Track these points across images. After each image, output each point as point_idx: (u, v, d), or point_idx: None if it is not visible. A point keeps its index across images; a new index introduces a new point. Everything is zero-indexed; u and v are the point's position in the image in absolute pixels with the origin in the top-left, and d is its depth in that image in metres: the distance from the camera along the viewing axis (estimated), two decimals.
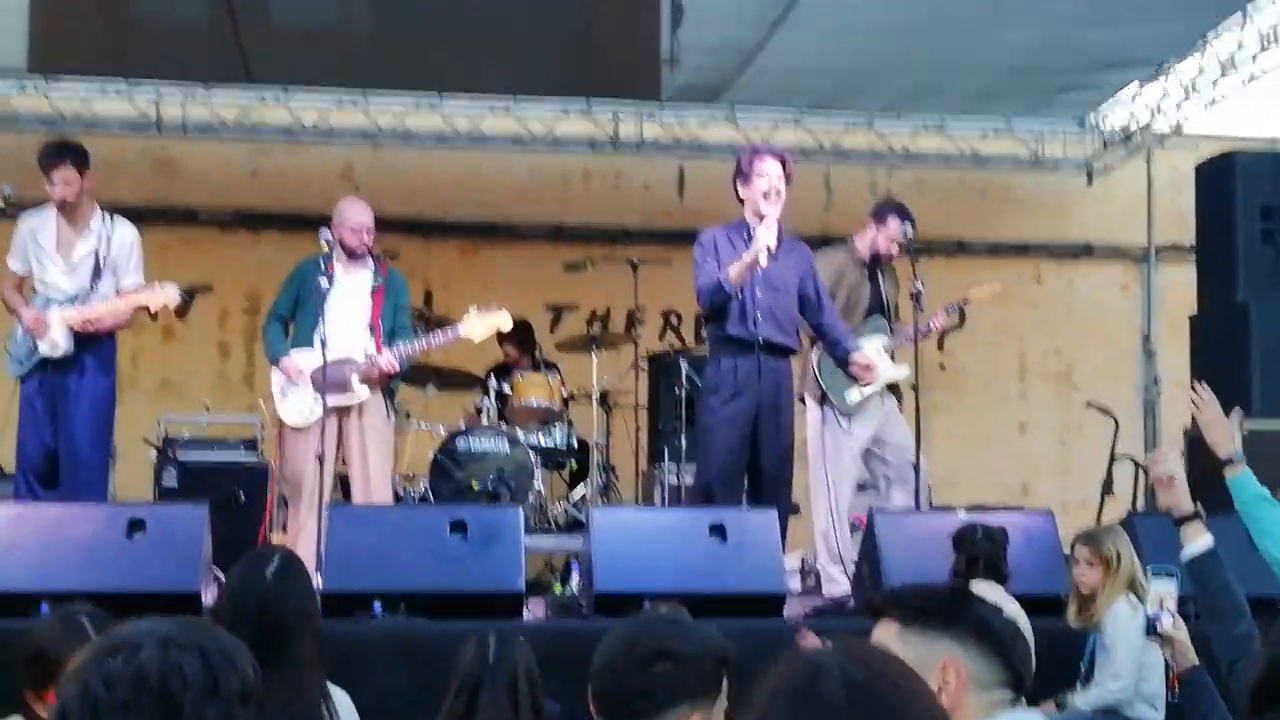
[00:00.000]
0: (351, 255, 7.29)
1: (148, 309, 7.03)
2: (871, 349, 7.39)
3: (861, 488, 7.72)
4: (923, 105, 10.51)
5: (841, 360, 7.06)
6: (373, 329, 7.28)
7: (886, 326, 7.64)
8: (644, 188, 11.16)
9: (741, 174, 6.95)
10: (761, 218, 6.79)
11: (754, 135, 10.65)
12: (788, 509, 7.14)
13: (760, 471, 6.85)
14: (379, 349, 7.20)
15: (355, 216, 7.32)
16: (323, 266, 7.09)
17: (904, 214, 7.67)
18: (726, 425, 6.77)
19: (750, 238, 6.79)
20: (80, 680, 1.63)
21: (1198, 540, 3.67)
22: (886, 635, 2.36)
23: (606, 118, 10.68)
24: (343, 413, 7.17)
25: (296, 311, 7.30)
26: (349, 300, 7.27)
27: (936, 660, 2.29)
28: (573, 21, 9.73)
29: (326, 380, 6.90)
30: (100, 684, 1.61)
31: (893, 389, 7.72)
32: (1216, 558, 3.65)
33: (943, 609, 2.40)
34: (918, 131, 10.86)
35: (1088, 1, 8.41)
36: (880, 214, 7.72)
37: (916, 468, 7.13)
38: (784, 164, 6.90)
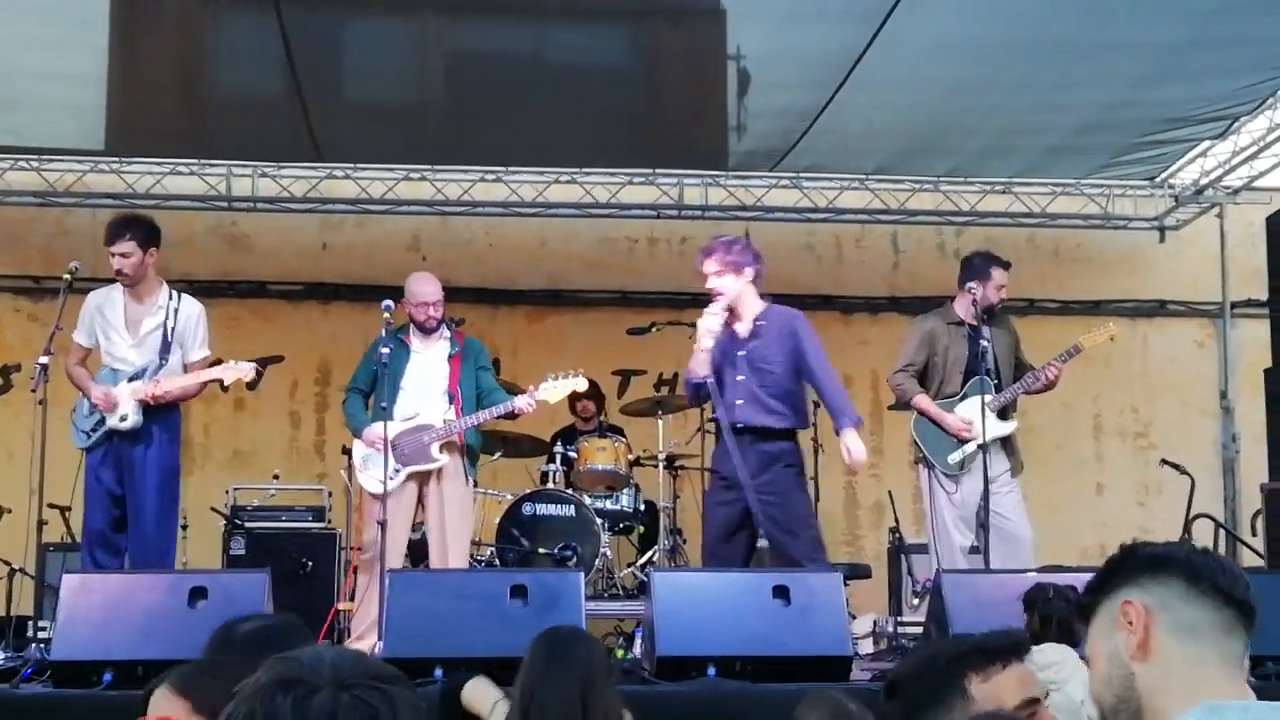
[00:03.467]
0: (423, 330, 7.44)
1: (220, 381, 7.17)
2: (968, 409, 7.32)
3: (975, 550, 7.48)
4: (989, 167, 10.40)
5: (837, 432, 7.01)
6: (451, 396, 7.40)
7: (989, 385, 7.45)
8: None
9: None
10: (729, 310, 6.94)
11: (819, 198, 10.63)
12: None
13: (767, 547, 6.78)
14: (458, 415, 7.32)
15: (422, 292, 7.47)
16: (387, 336, 7.17)
17: (1002, 261, 7.69)
18: (716, 512, 6.94)
19: (730, 325, 6.97)
20: (248, 709, 1.59)
21: None
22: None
23: (671, 184, 10.68)
24: (423, 479, 7.28)
25: (375, 384, 7.40)
26: (427, 370, 7.44)
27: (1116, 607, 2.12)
28: (640, 97, 9.79)
29: (407, 448, 7.16)
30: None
31: (1009, 449, 7.58)
32: None
33: (1108, 573, 2.20)
34: (985, 192, 10.77)
35: (1153, 60, 8.29)
36: (982, 268, 7.64)
37: (985, 524, 7.03)
38: (713, 256, 6.99)
